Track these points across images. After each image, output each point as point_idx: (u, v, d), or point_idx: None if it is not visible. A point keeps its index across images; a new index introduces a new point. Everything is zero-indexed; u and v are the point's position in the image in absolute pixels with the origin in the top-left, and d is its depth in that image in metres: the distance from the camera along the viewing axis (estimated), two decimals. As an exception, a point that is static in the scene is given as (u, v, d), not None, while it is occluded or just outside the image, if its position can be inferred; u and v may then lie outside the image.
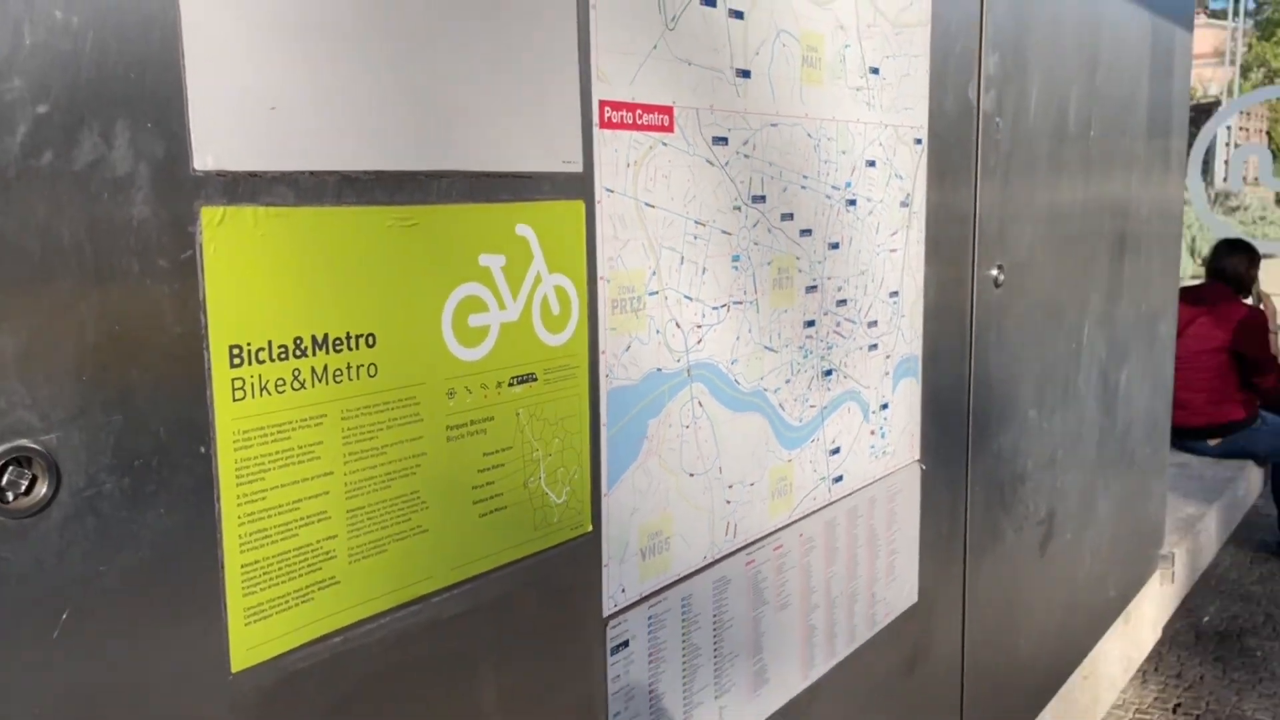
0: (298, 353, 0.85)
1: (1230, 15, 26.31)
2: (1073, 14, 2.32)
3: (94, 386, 0.72)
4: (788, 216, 1.45)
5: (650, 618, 1.28)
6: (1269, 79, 36.27)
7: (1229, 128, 19.96)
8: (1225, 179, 17.30)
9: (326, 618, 0.90)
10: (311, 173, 0.85)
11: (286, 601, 0.87)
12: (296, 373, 0.86)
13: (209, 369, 0.79)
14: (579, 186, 1.12)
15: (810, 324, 1.52)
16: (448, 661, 1.01)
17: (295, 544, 0.87)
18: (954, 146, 1.87)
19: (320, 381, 0.88)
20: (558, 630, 1.14)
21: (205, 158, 0.78)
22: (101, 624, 0.74)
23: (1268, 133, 34.46)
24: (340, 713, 0.92)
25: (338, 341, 0.89)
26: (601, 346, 1.16)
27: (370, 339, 0.91)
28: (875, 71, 1.63)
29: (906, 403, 1.79)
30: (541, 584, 1.12)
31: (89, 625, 0.73)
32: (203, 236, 0.78)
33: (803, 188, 1.48)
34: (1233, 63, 27.79)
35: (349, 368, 0.90)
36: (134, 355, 0.74)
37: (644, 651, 1.27)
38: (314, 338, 0.87)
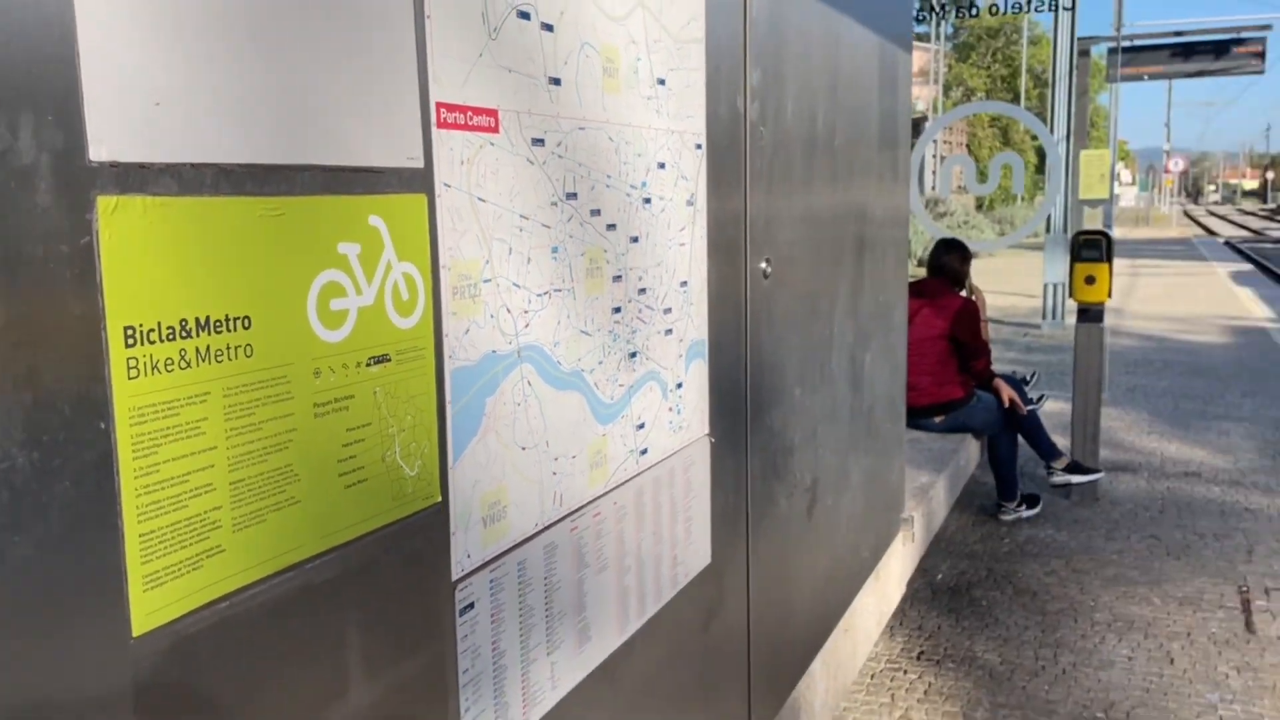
0: (184, 334, 0.91)
1: (932, 38, 29.20)
2: (818, 34, 2.62)
3: (4, 366, 0.75)
4: (596, 212, 1.60)
5: (491, 581, 1.39)
6: (967, 96, 40.50)
7: (935, 141, 22.17)
8: (934, 187, 19.27)
9: (215, 584, 0.95)
10: (192, 165, 0.91)
11: (180, 569, 0.91)
12: (183, 353, 0.91)
13: (107, 349, 0.84)
14: (421, 181, 1.21)
15: (617, 310, 1.67)
16: (319, 624, 1.08)
17: (186, 514, 0.92)
18: (727, 151, 2.09)
19: (204, 361, 0.93)
20: (413, 593, 1.23)
21: (100, 149, 0.82)
22: (16, 593, 0.77)
23: (967, 145, 38.48)
24: (226, 674, 0.97)
25: (218, 323, 0.94)
26: (445, 330, 1.26)
27: (246, 321, 0.97)
28: (662, 82, 1.81)
29: (697, 382, 1.98)
30: (398, 550, 1.20)
31: (3, 595, 0.76)
32: (99, 224, 0.82)
33: (607, 186, 1.63)
34: (936, 81, 30.83)
35: (228, 348, 0.96)
36: (41, 336, 0.78)
37: (487, 612, 1.38)
38: (197, 320, 0.92)
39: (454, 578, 1.31)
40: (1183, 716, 3.17)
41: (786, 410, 2.47)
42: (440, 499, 1.27)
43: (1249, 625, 3.81)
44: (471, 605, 1.34)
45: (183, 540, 0.92)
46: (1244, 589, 4.15)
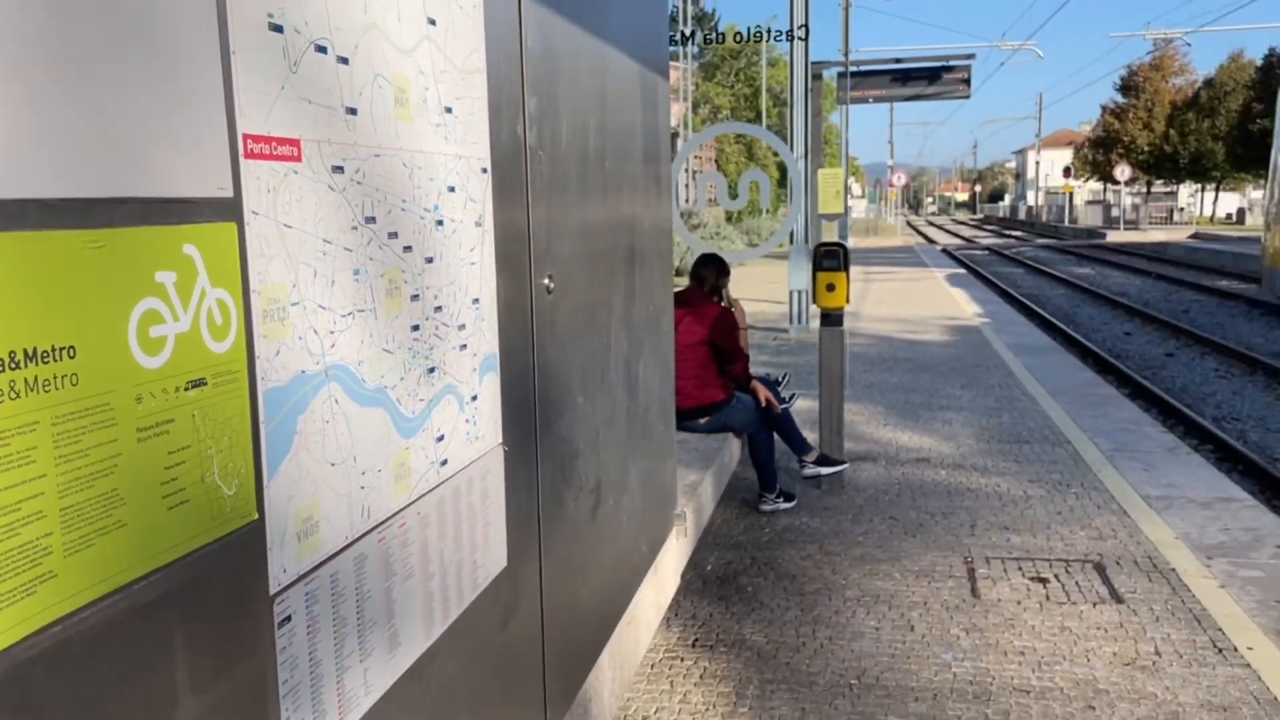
0: (13, 365, 0.92)
1: (680, 58, 30.54)
2: (588, 62, 2.79)
3: None
4: (393, 235, 1.67)
5: (307, 594, 1.43)
6: (713, 113, 42.50)
7: (688, 157, 23.16)
8: (688, 200, 20.22)
9: (48, 608, 0.97)
10: (16, 200, 0.93)
11: (13, 596, 0.93)
12: (12, 384, 0.92)
13: (-60, 382, 0.85)
14: (231, 210, 1.25)
15: (416, 328, 1.75)
16: (147, 643, 1.11)
17: (19, 542, 0.93)
18: (510, 174, 2.21)
19: (32, 391, 0.95)
20: (234, 609, 1.27)
21: (-71, 185, 0.83)
22: None
23: (715, 160, 40.40)
24: (60, 697, 0.99)
25: (45, 354, 0.96)
26: (257, 352, 1.30)
27: (71, 351, 0.99)
28: (450, 110, 1.90)
29: (490, 394, 2.09)
30: (219, 568, 1.24)
31: None
32: (-70, 258, 0.84)
33: (403, 210, 1.71)
34: (685, 99, 32.24)
35: (55, 378, 0.97)
36: (-123, 371, 0.79)
37: (304, 624, 1.42)
38: (25, 351, 0.94)
39: (271, 592, 1.35)
40: (923, 676, 3.57)
41: (572, 417, 2.61)
42: (257, 516, 1.31)
43: (974, 591, 4.33)
44: (289, 618, 1.39)
45: (16, 567, 0.93)
46: (969, 560, 4.70)
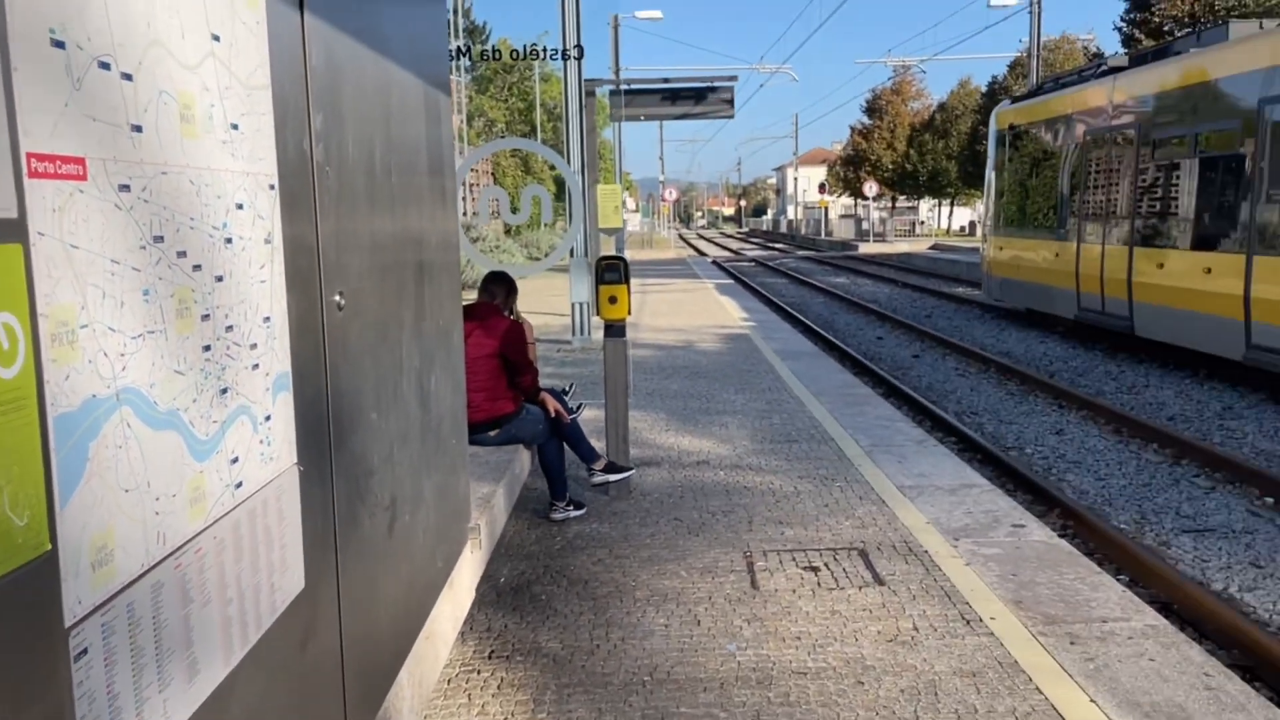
0: None
1: (454, 72, 30.30)
2: (372, 77, 2.79)
3: None
4: (182, 254, 1.64)
5: (103, 625, 1.39)
6: (488, 126, 42.39)
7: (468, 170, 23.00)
8: (468, 214, 20.06)
9: None
10: None
11: None
12: None
13: None
14: (15, 231, 1.21)
15: (208, 348, 1.72)
16: (-62, 687, 1.06)
17: None
18: (298, 191, 2.19)
19: None
20: (29, 643, 1.22)
21: None
22: None
23: (492, 174, 40.26)
24: None
25: None
26: (46, 377, 1.26)
27: None
28: (236, 127, 1.87)
29: (284, 413, 2.06)
30: (13, 601, 1.19)
31: None
32: None
33: (191, 228, 1.68)
34: (459, 112, 31.97)
35: None
36: None
37: (100, 657, 1.38)
38: None
39: (67, 624, 1.30)
40: (710, 667, 3.77)
41: (366, 434, 2.60)
42: (50, 547, 1.26)
43: (754, 583, 4.60)
44: (85, 651, 1.34)
45: None
46: (748, 554, 4.98)
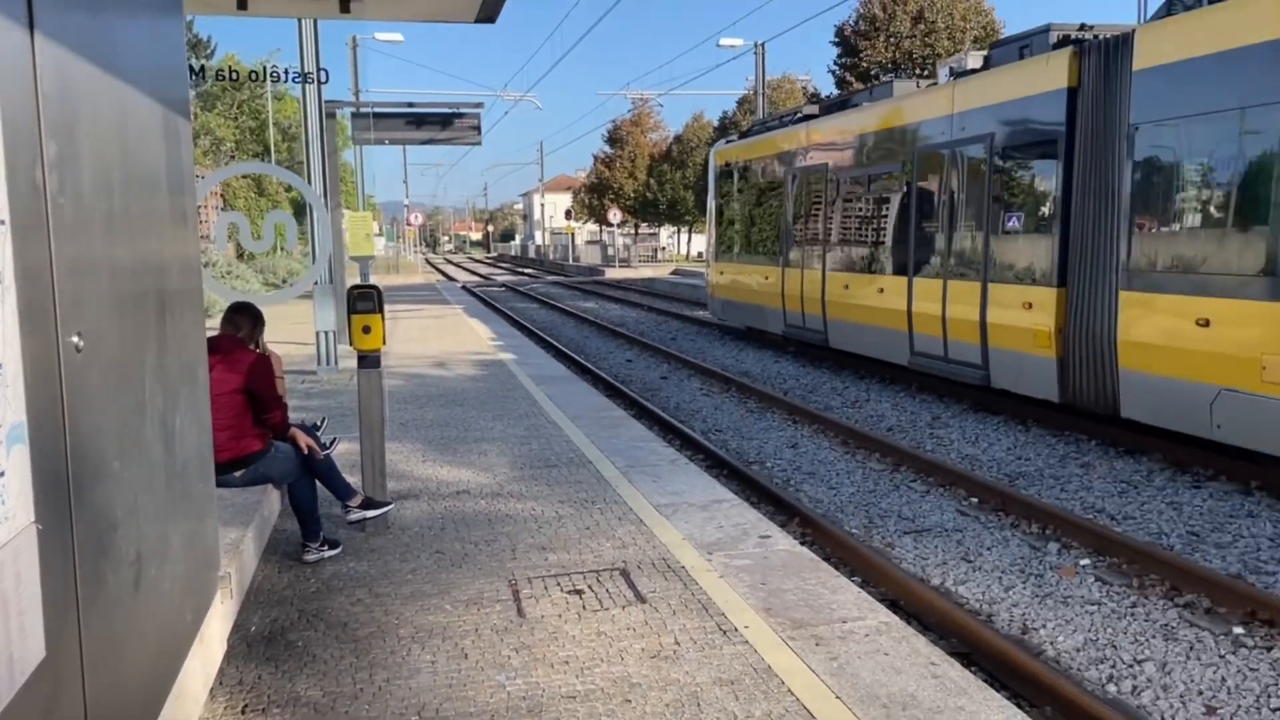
0: None
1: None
2: (109, 105, 2.61)
3: None
4: (-96, 299, 1.49)
5: None
6: (216, 146, 39.93)
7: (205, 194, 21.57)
8: (210, 239, 18.83)
9: None
10: None
11: None
12: None
13: None
14: None
15: (-65, 402, 1.56)
16: None
17: None
18: (32, 226, 2.03)
19: None
20: None
21: None
22: None
23: (223, 195, 37.95)
24: None
25: None
26: None
27: None
28: (-39, 158, 1.72)
29: (20, 468, 1.89)
30: None
31: None
32: None
33: (-86, 271, 1.52)
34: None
35: None
36: None
37: None
38: None
39: None
40: (480, 700, 3.76)
41: (109, 486, 2.42)
42: None
43: (520, 611, 4.62)
44: None
45: None
46: (513, 582, 5.00)
